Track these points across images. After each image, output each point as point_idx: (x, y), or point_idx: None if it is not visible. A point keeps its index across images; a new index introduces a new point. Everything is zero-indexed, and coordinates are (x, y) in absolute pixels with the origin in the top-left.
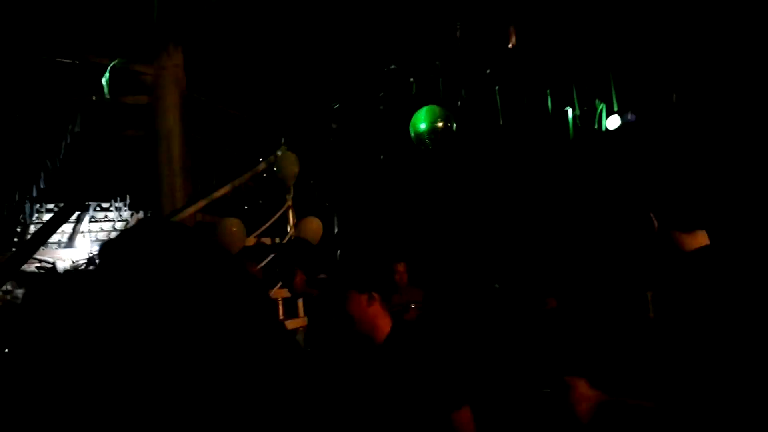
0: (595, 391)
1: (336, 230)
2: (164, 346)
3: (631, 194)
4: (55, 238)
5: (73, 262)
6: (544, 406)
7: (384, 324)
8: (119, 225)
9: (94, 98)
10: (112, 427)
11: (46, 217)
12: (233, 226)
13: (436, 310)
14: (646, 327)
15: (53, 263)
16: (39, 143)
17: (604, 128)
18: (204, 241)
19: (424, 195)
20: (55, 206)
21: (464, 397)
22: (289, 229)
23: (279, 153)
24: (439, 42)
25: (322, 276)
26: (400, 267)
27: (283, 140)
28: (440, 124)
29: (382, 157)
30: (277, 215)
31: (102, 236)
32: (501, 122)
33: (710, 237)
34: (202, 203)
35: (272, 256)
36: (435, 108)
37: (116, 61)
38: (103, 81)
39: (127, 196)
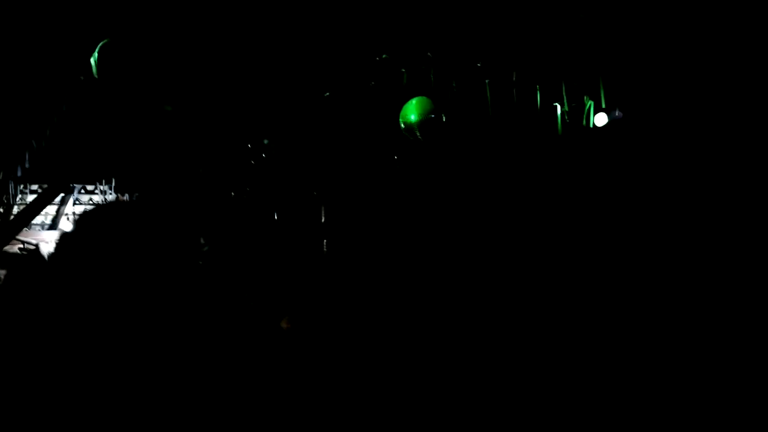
0: None
1: (323, 219)
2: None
3: (618, 191)
4: (38, 219)
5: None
6: None
7: None
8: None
9: (81, 78)
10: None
11: (30, 198)
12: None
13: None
14: None
15: (36, 245)
16: (24, 123)
17: (591, 125)
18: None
19: (413, 186)
20: (39, 187)
21: None
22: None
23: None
24: (431, 33)
25: None
26: None
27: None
28: (430, 116)
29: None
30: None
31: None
32: (490, 114)
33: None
34: (188, 186)
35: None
36: (425, 99)
37: (105, 41)
38: (92, 61)
39: (113, 179)
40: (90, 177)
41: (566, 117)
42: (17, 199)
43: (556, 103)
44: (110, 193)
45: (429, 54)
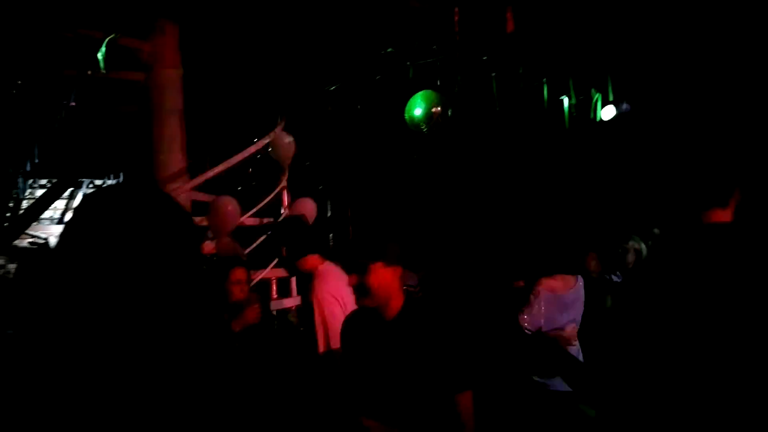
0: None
1: (329, 213)
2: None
3: (625, 184)
4: (47, 214)
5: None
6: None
7: (398, 301)
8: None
9: (89, 73)
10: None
11: (39, 192)
12: (228, 204)
13: (440, 292)
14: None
15: (46, 239)
16: (33, 118)
17: (599, 118)
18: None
19: (419, 180)
20: (48, 182)
21: (470, 381)
22: (282, 210)
23: (274, 133)
24: (437, 27)
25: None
26: None
27: (279, 120)
28: (436, 110)
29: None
30: (272, 196)
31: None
32: (497, 109)
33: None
34: (196, 181)
35: (266, 235)
36: (431, 93)
37: (112, 35)
38: (99, 56)
39: (121, 174)
40: (98, 171)
41: (573, 110)
42: (26, 193)
43: (564, 97)
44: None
45: (435, 47)
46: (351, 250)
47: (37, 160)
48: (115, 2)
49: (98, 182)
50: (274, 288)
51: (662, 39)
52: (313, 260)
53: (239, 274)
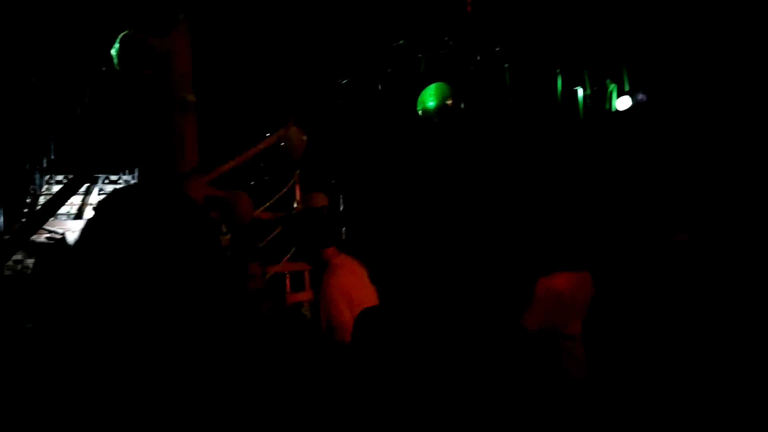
0: None
1: (341, 208)
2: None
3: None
4: (64, 209)
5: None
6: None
7: None
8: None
9: (103, 69)
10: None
11: (56, 188)
12: (241, 199)
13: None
14: None
15: (62, 234)
16: (49, 115)
17: (614, 109)
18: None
19: (431, 174)
20: (64, 178)
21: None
22: (295, 205)
23: (286, 128)
24: (450, 18)
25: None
26: None
27: (291, 114)
28: (448, 102)
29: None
30: (284, 190)
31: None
32: (510, 101)
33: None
34: (209, 177)
35: (280, 229)
36: (443, 85)
37: (125, 32)
38: (113, 52)
39: (136, 170)
40: (113, 167)
41: (588, 101)
42: (43, 189)
43: (578, 87)
44: (134, 182)
45: (447, 39)
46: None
47: (53, 156)
48: None
49: (114, 178)
50: (288, 282)
51: (678, 27)
52: (329, 252)
53: (253, 269)
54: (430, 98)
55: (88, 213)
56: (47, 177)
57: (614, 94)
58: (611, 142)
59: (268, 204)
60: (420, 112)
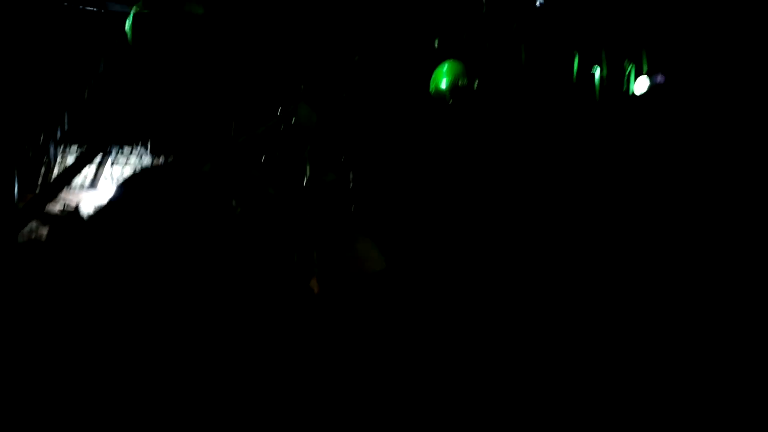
0: None
1: (351, 184)
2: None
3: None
4: (78, 180)
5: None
6: None
7: None
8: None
9: (117, 42)
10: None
11: (70, 159)
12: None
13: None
14: None
15: (76, 205)
16: (63, 85)
17: (631, 91)
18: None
19: (443, 154)
20: (78, 149)
21: None
22: (304, 181)
23: (297, 104)
24: None
25: None
26: None
27: (301, 89)
28: (462, 81)
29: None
30: (293, 165)
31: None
32: (526, 81)
33: None
34: (218, 152)
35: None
36: (457, 64)
37: (137, 6)
38: (126, 27)
39: (149, 141)
40: (127, 139)
41: (605, 82)
42: (57, 160)
43: (595, 68)
44: (146, 155)
45: (462, 17)
46: None
47: (67, 128)
48: None
49: (127, 150)
50: (296, 258)
51: (699, 7)
52: (340, 226)
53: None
54: (443, 77)
55: (102, 184)
56: (61, 148)
57: (632, 76)
58: (628, 125)
59: (277, 180)
60: (432, 91)
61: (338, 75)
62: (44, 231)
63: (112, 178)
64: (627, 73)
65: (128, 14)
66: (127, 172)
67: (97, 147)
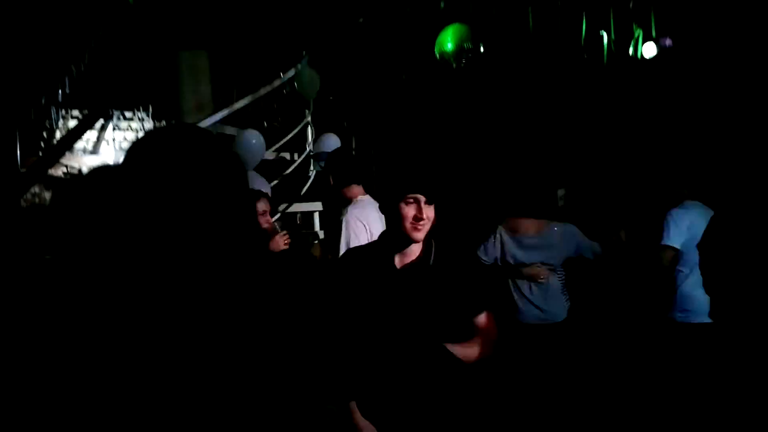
0: None
1: (354, 149)
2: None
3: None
4: (80, 144)
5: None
6: None
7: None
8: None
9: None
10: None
11: (72, 123)
12: (252, 137)
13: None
14: None
15: (79, 169)
16: (64, 48)
17: (639, 55)
18: (222, 153)
19: (448, 117)
20: (80, 112)
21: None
22: (307, 146)
23: (299, 68)
24: None
25: None
26: None
27: (304, 53)
28: (467, 44)
29: (404, 76)
30: (296, 131)
31: (126, 145)
32: (532, 44)
33: None
34: (221, 114)
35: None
36: (462, 26)
37: None
38: None
39: (150, 106)
40: (128, 103)
41: (612, 46)
42: (59, 124)
43: (603, 31)
44: (148, 120)
45: None
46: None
47: (68, 91)
48: None
49: (128, 114)
50: (298, 222)
51: None
52: (356, 190)
53: (263, 205)
54: (448, 40)
55: (104, 149)
56: (63, 111)
57: (640, 40)
58: (636, 89)
59: (280, 144)
60: (437, 54)
61: (342, 37)
62: (47, 195)
63: (113, 143)
64: (635, 37)
65: None
66: (129, 136)
67: (98, 112)
